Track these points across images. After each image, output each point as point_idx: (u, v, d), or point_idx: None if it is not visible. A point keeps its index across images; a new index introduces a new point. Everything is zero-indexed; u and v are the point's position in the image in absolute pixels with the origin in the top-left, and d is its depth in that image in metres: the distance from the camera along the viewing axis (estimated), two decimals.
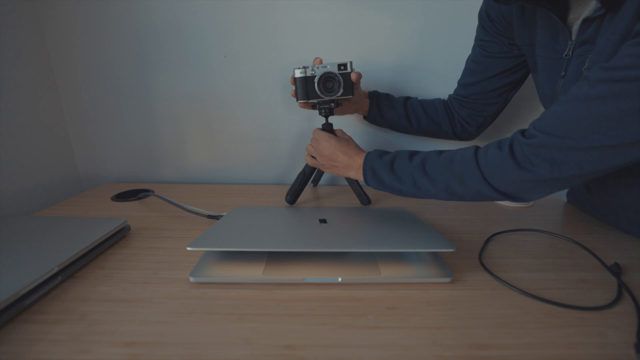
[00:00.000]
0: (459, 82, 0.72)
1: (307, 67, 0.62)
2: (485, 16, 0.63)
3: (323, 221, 0.54)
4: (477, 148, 0.48)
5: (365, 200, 0.70)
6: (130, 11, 0.76)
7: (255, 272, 0.42)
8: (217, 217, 0.61)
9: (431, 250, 0.46)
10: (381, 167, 0.54)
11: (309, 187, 0.84)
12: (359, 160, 0.58)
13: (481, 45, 0.66)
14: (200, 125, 0.85)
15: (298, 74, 0.62)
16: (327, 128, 0.66)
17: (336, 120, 0.74)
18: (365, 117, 0.77)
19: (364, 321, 0.36)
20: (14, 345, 0.32)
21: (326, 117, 0.66)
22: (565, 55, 0.50)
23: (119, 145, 0.86)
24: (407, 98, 0.75)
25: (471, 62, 0.69)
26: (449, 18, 0.76)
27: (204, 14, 0.77)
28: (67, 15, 0.76)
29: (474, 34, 0.68)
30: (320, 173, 0.76)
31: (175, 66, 0.80)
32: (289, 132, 0.86)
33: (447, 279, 0.42)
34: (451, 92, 0.74)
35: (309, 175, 0.68)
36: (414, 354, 0.31)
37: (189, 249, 0.42)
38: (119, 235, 0.53)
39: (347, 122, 0.84)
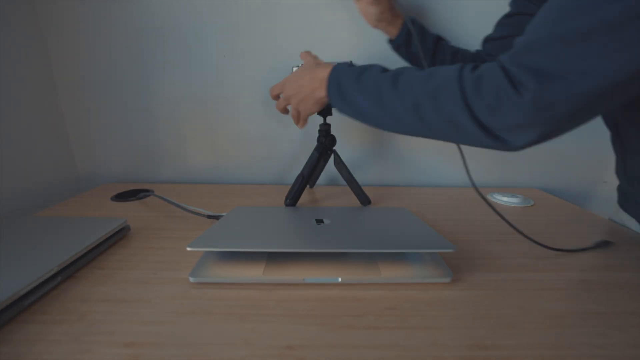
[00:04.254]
0: (487, 37, 0.66)
1: None
2: None
3: (323, 221, 0.54)
4: (463, 65, 0.39)
5: (364, 200, 0.69)
6: (130, 11, 0.76)
7: (255, 273, 0.42)
8: (217, 217, 0.61)
9: (431, 250, 0.46)
10: (347, 76, 0.47)
11: (307, 188, 0.84)
12: (325, 71, 0.50)
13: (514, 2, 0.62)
14: (200, 125, 0.85)
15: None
16: (325, 128, 0.66)
17: (334, 120, 0.74)
18: (390, 41, 0.70)
19: (364, 321, 0.36)
20: (14, 345, 0.32)
21: (324, 117, 0.65)
22: None
23: (118, 145, 0.86)
24: (440, 37, 0.69)
25: (504, 17, 0.65)
26: (449, 18, 0.76)
27: (204, 14, 0.77)
28: (67, 15, 0.76)
29: (474, 33, 0.68)
30: (318, 174, 0.76)
31: (175, 66, 0.80)
32: (289, 132, 0.86)
33: (447, 279, 0.42)
34: None
35: (308, 177, 0.68)
36: (414, 354, 0.31)
37: (188, 249, 0.41)
38: (119, 236, 0.53)
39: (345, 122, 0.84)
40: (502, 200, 0.75)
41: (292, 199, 0.67)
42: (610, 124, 0.56)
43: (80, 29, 0.77)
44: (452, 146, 0.86)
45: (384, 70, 0.46)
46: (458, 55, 0.68)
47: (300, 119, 0.59)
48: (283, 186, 0.85)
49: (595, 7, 0.31)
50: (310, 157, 0.68)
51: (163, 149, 0.87)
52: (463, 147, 0.47)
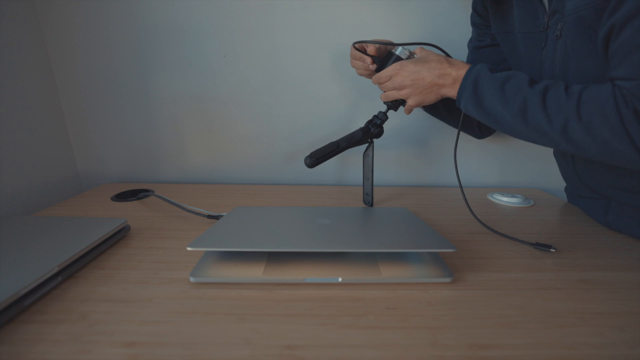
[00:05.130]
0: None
1: (413, 53, 0.59)
2: (473, 12, 0.68)
3: (323, 221, 0.54)
4: (614, 86, 0.42)
5: (370, 201, 0.69)
6: (130, 11, 0.76)
7: (255, 272, 0.42)
8: (217, 217, 0.61)
9: (431, 250, 0.46)
10: (488, 83, 0.48)
11: (308, 188, 0.84)
12: (461, 71, 0.50)
13: (474, 40, 0.69)
14: (200, 125, 0.85)
15: (399, 51, 0.59)
16: (383, 118, 0.64)
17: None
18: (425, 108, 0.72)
19: (365, 321, 0.36)
20: (14, 345, 0.31)
21: (389, 108, 0.63)
22: (544, 28, 0.52)
23: (119, 145, 0.86)
24: None
25: (476, 47, 0.70)
26: (449, 18, 0.76)
27: (204, 14, 0.77)
28: (67, 15, 0.76)
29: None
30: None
31: (175, 66, 0.80)
32: (289, 132, 0.86)
33: (448, 279, 0.42)
34: None
35: (342, 149, 0.63)
36: (415, 354, 0.31)
37: (189, 249, 0.41)
38: (119, 235, 0.53)
39: (346, 118, 0.84)
40: (502, 200, 0.75)
41: (317, 160, 0.61)
42: None
43: (80, 29, 0.77)
44: (451, 146, 0.86)
45: (531, 82, 0.46)
46: None
47: (407, 109, 0.60)
48: (283, 186, 0.85)
49: None
50: (354, 134, 0.63)
51: (163, 149, 0.87)
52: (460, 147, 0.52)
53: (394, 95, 0.59)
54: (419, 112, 0.83)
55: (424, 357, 0.31)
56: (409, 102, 0.58)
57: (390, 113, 0.64)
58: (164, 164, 0.88)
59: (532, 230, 0.59)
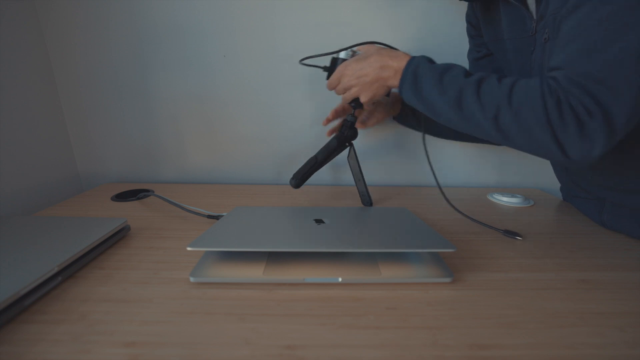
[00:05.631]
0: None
1: (356, 52, 0.60)
2: (468, 25, 0.69)
3: (323, 221, 0.54)
4: (542, 82, 0.44)
5: (367, 200, 0.69)
6: (130, 11, 0.76)
7: (255, 272, 0.42)
8: (217, 217, 0.61)
9: (431, 250, 0.46)
10: (429, 73, 0.49)
11: (308, 188, 0.84)
12: (402, 62, 0.51)
13: (472, 52, 0.70)
14: (200, 125, 0.85)
15: (343, 55, 0.61)
16: (352, 120, 0.65)
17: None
18: (395, 117, 0.74)
19: (365, 321, 0.36)
20: (14, 345, 0.32)
21: (355, 108, 0.64)
22: (532, 33, 0.53)
23: (119, 145, 0.86)
24: None
25: (476, 59, 0.71)
26: (449, 18, 0.76)
27: (204, 14, 0.77)
28: (67, 15, 0.76)
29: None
30: (326, 162, 0.73)
31: (175, 66, 0.80)
32: (289, 132, 0.86)
33: (448, 279, 0.42)
34: None
35: (321, 162, 0.65)
36: (415, 354, 0.31)
37: (189, 249, 0.41)
38: (119, 235, 0.53)
39: None
40: (502, 200, 0.75)
41: (300, 179, 0.64)
42: None
43: (80, 29, 0.77)
44: (450, 147, 0.86)
45: (467, 73, 0.48)
46: None
47: (362, 114, 0.62)
48: (283, 186, 0.85)
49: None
50: (329, 144, 0.65)
51: (163, 149, 0.87)
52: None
53: (348, 96, 0.59)
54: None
55: (423, 357, 0.31)
56: (361, 98, 0.58)
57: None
58: (164, 164, 0.88)
59: (532, 230, 0.59)
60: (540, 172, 0.88)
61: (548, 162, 0.86)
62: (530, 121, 0.42)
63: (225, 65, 0.80)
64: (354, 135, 0.67)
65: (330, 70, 0.64)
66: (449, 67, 0.49)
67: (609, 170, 0.54)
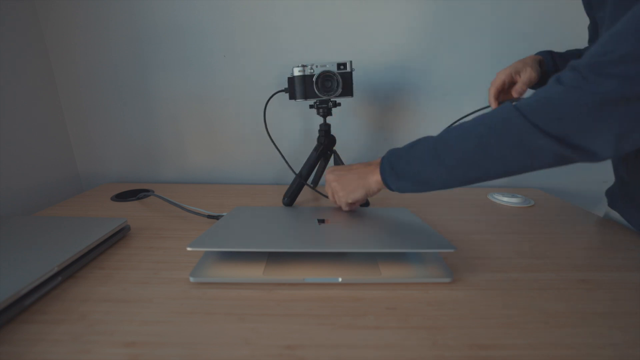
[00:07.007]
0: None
1: (306, 66, 0.62)
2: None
3: (323, 221, 0.54)
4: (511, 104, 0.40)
5: (365, 202, 0.69)
6: (130, 11, 0.76)
7: (255, 272, 0.42)
8: (217, 217, 0.61)
9: (431, 250, 0.46)
10: (398, 155, 0.48)
11: (307, 187, 0.84)
12: (375, 163, 0.52)
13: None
14: (200, 125, 0.85)
15: (297, 72, 0.62)
16: (325, 128, 0.67)
17: (334, 121, 0.74)
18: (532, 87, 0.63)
19: (364, 321, 0.36)
20: (14, 345, 0.32)
21: (324, 117, 0.66)
22: None
23: (118, 145, 0.86)
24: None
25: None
26: (449, 17, 0.76)
27: (204, 14, 0.77)
28: (67, 15, 0.76)
29: (474, 33, 0.68)
30: (320, 174, 0.76)
31: (175, 66, 0.80)
32: (289, 132, 0.86)
33: (448, 279, 0.42)
34: (452, 93, 0.74)
35: (305, 177, 0.68)
36: (414, 354, 0.31)
37: (189, 249, 0.41)
38: (119, 235, 0.53)
39: (344, 125, 0.84)
40: (502, 200, 0.75)
41: (290, 198, 0.68)
42: None
43: (80, 29, 0.77)
44: None
45: (434, 136, 0.46)
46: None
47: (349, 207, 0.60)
48: (283, 186, 0.85)
49: None
50: (309, 158, 0.68)
51: (163, 149, 0.87)
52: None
53: (344, 200, 0.57)
54: (419, 113, 0.83)
55: (424, 357, 0.31)
56: (347, 200, 0.56)
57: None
58: (164, 164, 0.88)
59: (532, 230, 0.59)
60: (540, 172, 0.88)
61: None
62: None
63: (225, 65, 0.80)
64: (333, 142, 0.69)
65: (289, 90, 0.65)
66: (416, 142, 0.48)
67: None
